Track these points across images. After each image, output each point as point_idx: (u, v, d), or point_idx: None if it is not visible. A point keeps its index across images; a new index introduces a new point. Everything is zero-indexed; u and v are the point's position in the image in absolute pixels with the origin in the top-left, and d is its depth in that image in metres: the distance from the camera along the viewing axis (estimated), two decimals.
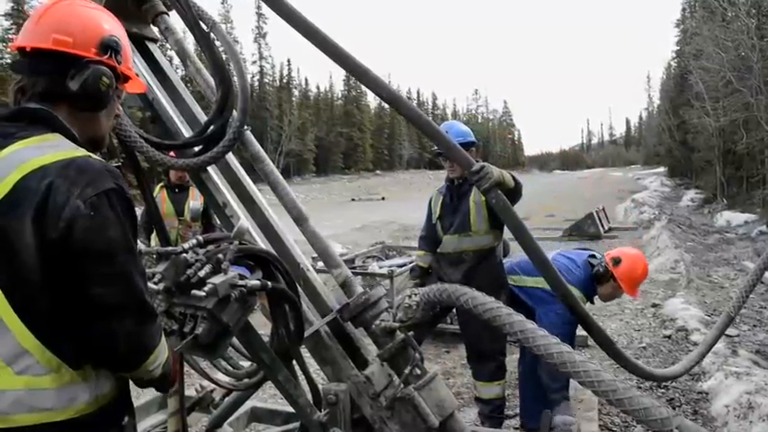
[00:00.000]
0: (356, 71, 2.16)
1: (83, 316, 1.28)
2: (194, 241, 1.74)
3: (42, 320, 1.27)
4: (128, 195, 1.34)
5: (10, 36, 35.03)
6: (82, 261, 1.25)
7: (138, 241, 1.77)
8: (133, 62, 1.71)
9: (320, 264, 2.75)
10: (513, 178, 3.41)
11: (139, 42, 2.34)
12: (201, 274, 1.60)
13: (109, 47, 1.43)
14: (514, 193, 3.39)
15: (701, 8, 27.59)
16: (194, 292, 1.58)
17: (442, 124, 3.79)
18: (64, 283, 1.26)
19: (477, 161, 2.65)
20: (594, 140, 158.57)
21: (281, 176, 2.34)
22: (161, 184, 5.86)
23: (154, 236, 4.79)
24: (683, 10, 37.56)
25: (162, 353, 1.43)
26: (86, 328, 1.29)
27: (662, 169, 48.24)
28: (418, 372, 2.11)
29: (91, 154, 1.36)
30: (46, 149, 1.30)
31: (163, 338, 1.45)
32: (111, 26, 1.50)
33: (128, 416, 1.45)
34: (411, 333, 2.25)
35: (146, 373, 1.41)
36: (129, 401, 1.50)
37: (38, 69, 1.40)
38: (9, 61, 34.23)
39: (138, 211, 2.64)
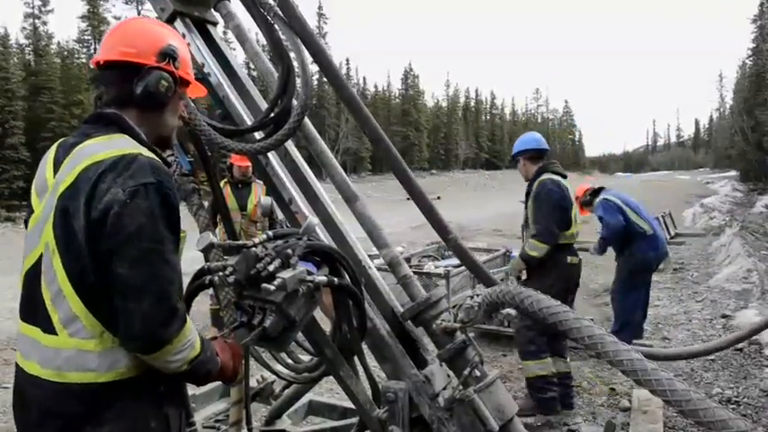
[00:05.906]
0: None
1: (112, 292, 1.42)
2: (265, 236, 1.78)
3: (89, 290, 1.45)
4: (166, 190, 1.48)
5: (86, 37, 36.98)
6: (113, 241, 1.40)
7: (210, 234, 1.85)
8: (192, 69, 1.85)
9: (378, 261, 2.75)
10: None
11: (201, 26, 2.44)
12: (271, 268, 1.63)
13: (167, 54, 1.63)
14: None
15: None
16: (264, 285, 1.62)
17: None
18: (102, 259, 1.42)
19: None
20: (660, 142, 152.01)
21: (332, 157, 2.37)
22: (224, 180, 6.07)
23: (219, 229, 4.95)
24: (761, 5, 35.54)
25: (186, 350, 1.48)
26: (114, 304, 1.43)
27: (733, 173, 45.89)
28: (477, 374, 2.08)
29: (142, 151, 1.52)
30: (107, 146, 1.51)
31: (193, 337, 1.50)
32: (170, 38, 1.69)
33: (164, 384, 1.57)
34: (472, 334, 2.23)
35: (165, 363, 1.47)
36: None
37: (109, 78, 1.64)
38: (85, 60, 36.26)
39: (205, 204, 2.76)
